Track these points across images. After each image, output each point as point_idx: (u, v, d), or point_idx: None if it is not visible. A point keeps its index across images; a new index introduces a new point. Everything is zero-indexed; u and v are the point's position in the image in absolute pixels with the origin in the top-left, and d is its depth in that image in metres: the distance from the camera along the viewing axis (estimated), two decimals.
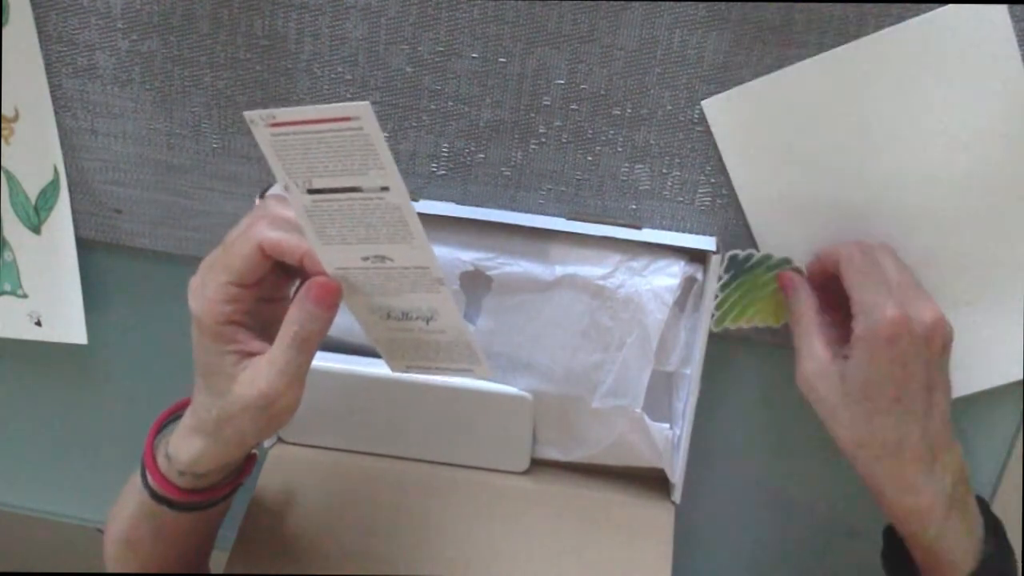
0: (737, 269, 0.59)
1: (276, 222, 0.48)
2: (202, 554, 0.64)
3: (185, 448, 0.53)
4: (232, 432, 0.51)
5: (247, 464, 0.58)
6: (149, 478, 0.55)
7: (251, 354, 0.49)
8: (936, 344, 0.52)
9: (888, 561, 0.60)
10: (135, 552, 0.59)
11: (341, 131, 0.43)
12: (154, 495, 0.55)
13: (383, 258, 0.47)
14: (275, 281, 0.51)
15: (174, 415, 0.57)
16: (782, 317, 0.60)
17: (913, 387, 0.52)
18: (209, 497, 0.56)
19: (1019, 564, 0.57)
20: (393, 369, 0.54)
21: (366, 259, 0.47)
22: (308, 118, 0.43)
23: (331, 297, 0.48)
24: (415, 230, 0.46)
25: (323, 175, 0.45)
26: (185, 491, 0.54)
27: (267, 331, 0.50)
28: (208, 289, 0.49)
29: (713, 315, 0.60)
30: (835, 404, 0.53)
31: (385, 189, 0.44)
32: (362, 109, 0.42)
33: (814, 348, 0.55)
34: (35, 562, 1.36)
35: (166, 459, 0.54)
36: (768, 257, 0.59)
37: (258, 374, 0.48)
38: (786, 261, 0.59)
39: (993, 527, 0.56)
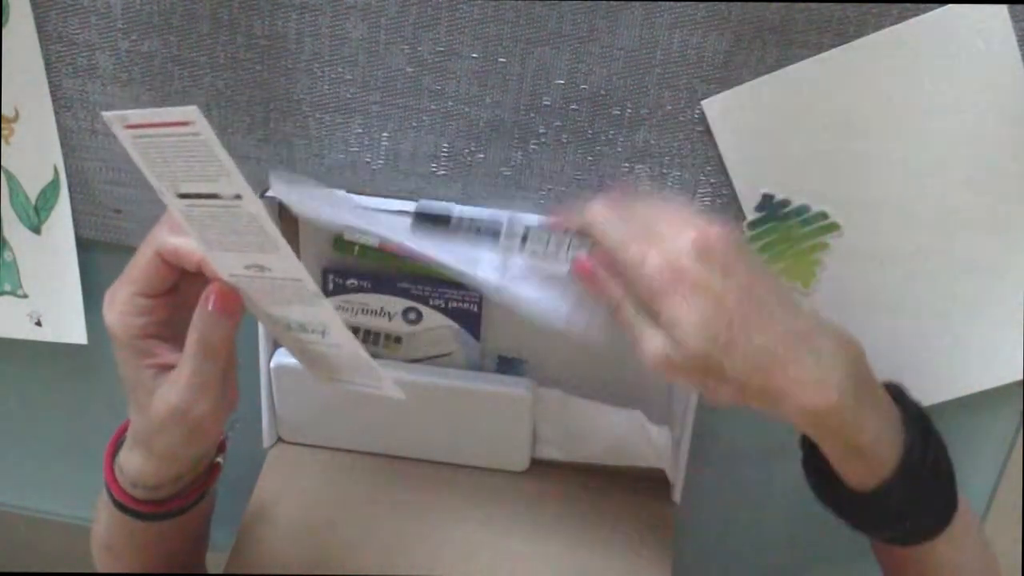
0: (770, 212, 0.58)
1: (177, 227, 0.47)
2: (190, 558, 0.63)
3: (129, 462, 0.52)
4: (161, 446, 0.50)
5: (211, 473, 0.57)
6: (111, 490, 0.54)
7: (170, 367, 0.48)
8: (712, 255, 0.46)
9: (810, 465, 0.55)
10: (115, 558, 0.59)
11: (184, 136, 0.41)
12: (117, 505, 0.54)
13: (261, 267, 0.46)
14: (197, 289, 0.49)
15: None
16: (811, 281, 0.59)
17: (731, 300, 0.46)
18: (170, 508, 0.55)
19: (946, 450, 0.52)
20: (320, 381, 0.53)
21: (248, 267, 0.46)
22: (152, 121, 0.41)
23: (229, 304, 0.47)
24: (277, 241, 0.44)
25: (185, 180, 0.43)
26: (143, 502, 0.54)
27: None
28: (116, 302, 0.48)
29: None
30: (695, 366, 0.47)
31: (239, 197, 0.43)
32: (191, 113, 0.40)
33: (647, 328, 0.48)
34: (35, 562, 1.36)
35: (120, 471, 0.54)
36: (805, 208, 0.57)
37: (170, 388, 0.48)
38: (823, 215, 0.58)
39: (914, 415, 0.51)
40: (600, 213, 0.50)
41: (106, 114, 0.42)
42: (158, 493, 0.54)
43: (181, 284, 0.50)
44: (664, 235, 0.47)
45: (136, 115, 0.41)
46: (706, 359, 0.46)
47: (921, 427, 0.51)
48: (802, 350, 0.47)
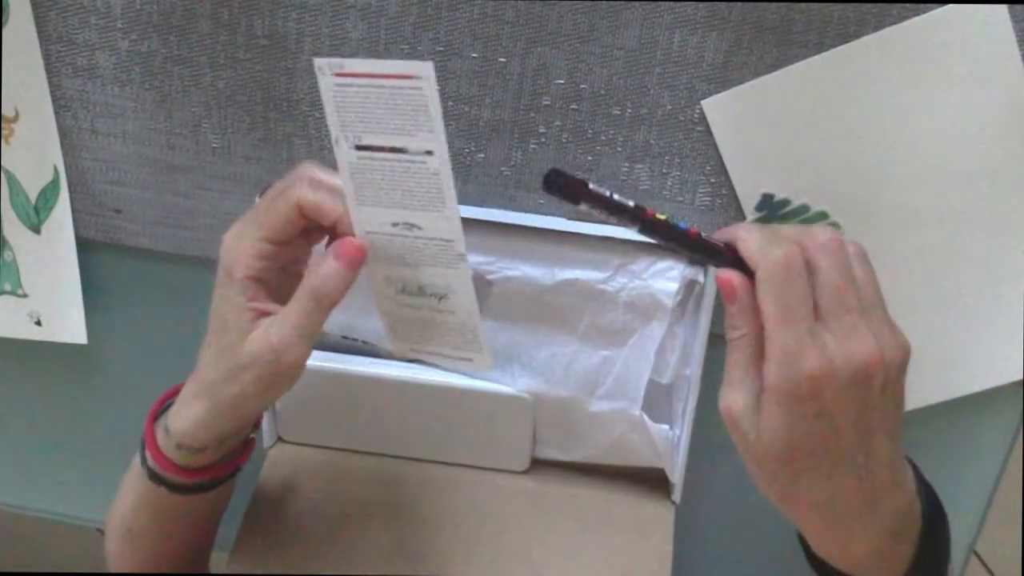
0: (770, 211, 0.58)
1: (315, 184, 0.49)
2: (202, 551, 0.64)
3: (184, 414, 0.52)
4: (233, 392, 0.50)
5: (245, 448, 0.57)
6: (148, 456, 0.55)
7: (267, 314, 0.50)
8: (873, 383, 0.44)
9: (813, 561, 0.54)
10: (134, 543, 0.59)
11: (400, 89, 0.43)
12: (152, 475, 0.55)
13: (412, 226, 0.48)
14: (298, 251, 0.51)
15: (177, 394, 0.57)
16: None
17: (845, 441, 0.45)
18: (205, 477, 0.55)
19: (947, 534, 0.53)
20: (395, 351, 0.54)
21: (396, 225, 0.48)
22: (373, 72, 0.44)
23: (356, 255, 0.49)
24: (449, 200, 0.46)
25: (374, 132, 0.45)
26: (182, 469, 0.54)
27: (282, 299, 0.50)
28: (244, 241, 0.49)
29: None
30: (755, 457, 0.46)
31: (429, 153, 0.45)
32: (425, 69, 0.43)
33: (745, 383, 0.46)
34: (35, 562, 1.36)
35: (165, 433, 0.54)
36: (804, 208, 0.57)
37: (271, 328, 0.49)
38: (823, 215, 0.58)
39: (924, 492, 0.51)
40: (775, 272, 0.44)
41: (318, 60, 0.45)
42: (200, 459, 0.54)
43: (296, 238, 0.51)
44: (832, 332, 0.44)
45: (352, 63, 0.44)
46: (771, 461, 0.46)
47: (931, 509, 0.52)
48: (866, 513, 0.47)
